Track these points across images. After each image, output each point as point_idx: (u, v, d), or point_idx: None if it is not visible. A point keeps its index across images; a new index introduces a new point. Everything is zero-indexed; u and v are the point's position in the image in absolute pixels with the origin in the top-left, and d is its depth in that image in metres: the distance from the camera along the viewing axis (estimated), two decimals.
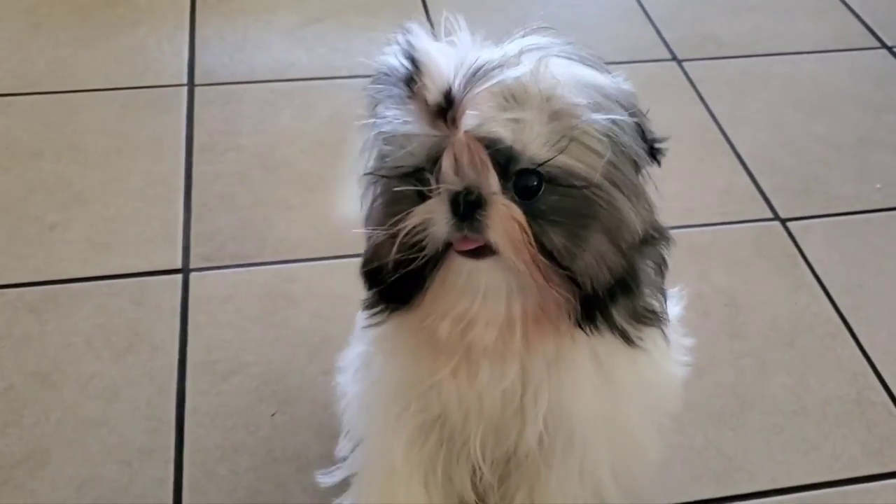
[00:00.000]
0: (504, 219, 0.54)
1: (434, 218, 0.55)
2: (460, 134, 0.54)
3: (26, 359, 1.08)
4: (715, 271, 1.24)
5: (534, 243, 0.54)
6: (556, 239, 0.55)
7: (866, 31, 1.74)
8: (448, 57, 0.57)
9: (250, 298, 1.17)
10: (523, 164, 0.55)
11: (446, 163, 0.54)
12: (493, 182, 0.55)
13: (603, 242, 0.56)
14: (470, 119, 0.54)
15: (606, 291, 0.57)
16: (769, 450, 1.03)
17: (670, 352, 0.70)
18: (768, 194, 1.37)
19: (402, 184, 0.57)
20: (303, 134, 1.41)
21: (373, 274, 0.60)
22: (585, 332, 0.59)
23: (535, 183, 0.55)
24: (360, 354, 0.75)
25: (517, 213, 0.54)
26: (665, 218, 1.29)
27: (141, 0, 1.68)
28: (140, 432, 1.01)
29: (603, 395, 0.65)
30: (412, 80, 0.56)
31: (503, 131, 0.54)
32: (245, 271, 1.20)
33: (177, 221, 1.26)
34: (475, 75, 0.54)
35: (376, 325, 0.64)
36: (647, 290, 0.62)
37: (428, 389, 0.66)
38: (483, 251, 0.56)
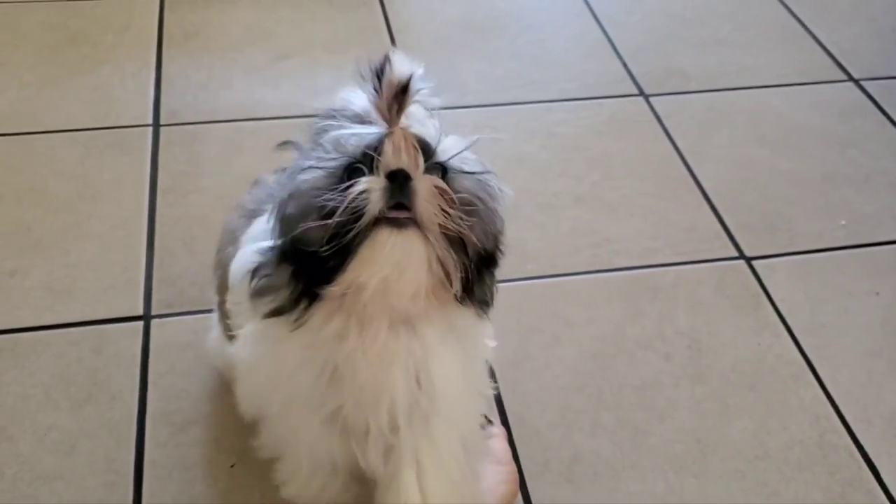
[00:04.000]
0: (428, 186, 0.67)
1: (373, 188, 0.67)
2: (398, 128, 0.68)
3: None
4: (678, 312, 1.24)
5: (448, 208, 0.67)
6: (458, 210, 0.68)
7: (833, 64, 1.76)
8: (405, 65, 0.71)
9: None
10: (436, 158, 0.69)
11: (388, 147, 0.67)
12: (420, 163, 0.68)
13: (483, 223, 0.70)
14: (405, 119, 0.69)
15: (480, 263, 0.71)
16: (731, 496, 1.03)
17: (489, 331, 0.83)
18: (733, 232, 1.37)
19: (331, 178, 0.69)
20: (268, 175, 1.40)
21: (296, 256, 0.70)
22: (461, 301, 0.72)
23: (442, 173, 0.70)
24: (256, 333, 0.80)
25: (438, 181, 0.68)
26: (628, 258, 1.31)
27: (106, 38, 1.67)
28: (97, 486, 1.00)
29: (461, 358, 0.78)
30: (382, 71, 0.70)
31: (426, 131, 0.69)
32: (206, 318, 1.18)
33: (138, 267, 1.25)
34: (411, 85, 0.69)
35: (298, 321, 0.72)
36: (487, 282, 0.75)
37: (330, 377, 0.76)
38: (406, 221, 0.67)
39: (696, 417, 1.11)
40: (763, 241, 1.36)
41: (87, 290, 1.22)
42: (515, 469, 0.85)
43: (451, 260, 0.68)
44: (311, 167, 0.69)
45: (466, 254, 0.69)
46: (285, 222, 0.70)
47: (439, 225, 0.67)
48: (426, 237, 0.67)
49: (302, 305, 0.71)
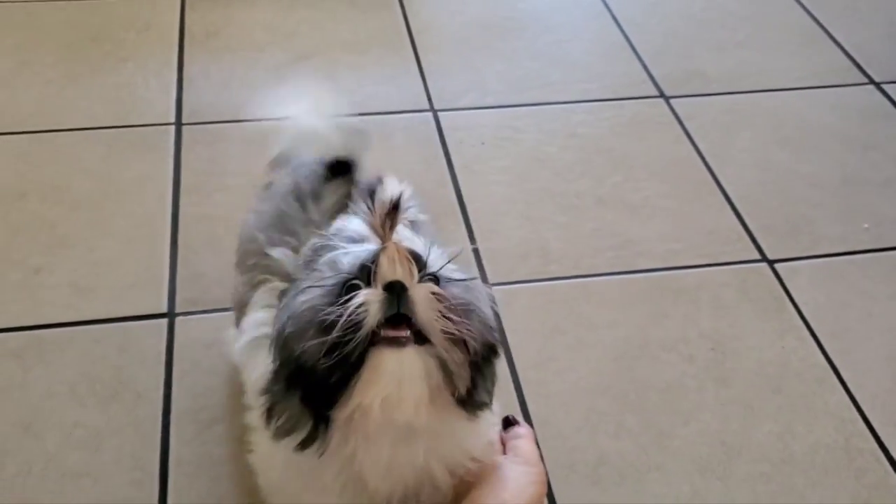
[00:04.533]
0: (425, 293, 0.69)
1: (371, 300, 0.68)
2: (391, 242, 0.71)
3: (9, 408, 1.07)
4: (701, 315, 1.24)
5: (446, 312, 0.69)
6: (455, 313, 0.70)
7: (853, 66, 1.75)
8: (394, 185, 0.80)
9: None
10: (427, 269, 0.72)
11: (384, 260, 0.70)
12: (415, 272, 0.71)
13: (480, 321, 0.73)
14: (396, 235, 0.73)
15: (481, 359, 0.73)
16: (756, 500, 1.03)
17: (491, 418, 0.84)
18: (755, 234, 1.37)
19: (328, 297, 0.70)
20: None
21: (300, 379, 0.71)
22: (462, 405, 0.73)
23: (434, 282, 0.72)
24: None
25: (434, 287, 0.70)
26: (650, 259, 1.31)
27: (128, 36, 1.68)
28: (124, 484, 1.01)
29: (463, 450, 0.81)
30: (374, 192, 0.76)
31: (416, 245, 0.74)
32: (231, 315, 1.18)
33: (162, 265, 1.26)
34: (401, 203, 0.74)
35: (321, 448, 0.74)
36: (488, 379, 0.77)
37: (350, 489, 0.78)
38: (405, 341, 0.69)
39: (721, 420, 1.11)
40: (786, 243, 1.36)
41: (111, 287, 1.22)
42: (543, 470, 0.85)
43: (454, 363, 0.70)
44: (307, 287, 0.71)
45: (468, 352, 0.71)
46: (285, 344, 0.71)
47: (441, 330, 0.69)
48: (426, 350, 0.69)
49: (320, 433, 0.73)
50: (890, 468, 1.07)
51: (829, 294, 1.29)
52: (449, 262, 0.74)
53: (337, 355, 0.67)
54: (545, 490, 0.86)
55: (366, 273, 0.70)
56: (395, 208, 0.72)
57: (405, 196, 0.75)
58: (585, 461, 1.06)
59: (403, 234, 0.75)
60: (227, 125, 1.49)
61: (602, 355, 1.18)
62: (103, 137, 1.46)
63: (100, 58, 1.63)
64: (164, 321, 1.18)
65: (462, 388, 0.72)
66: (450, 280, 0.73)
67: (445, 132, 1.51)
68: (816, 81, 1.70)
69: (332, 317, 0.67)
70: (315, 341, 0.68)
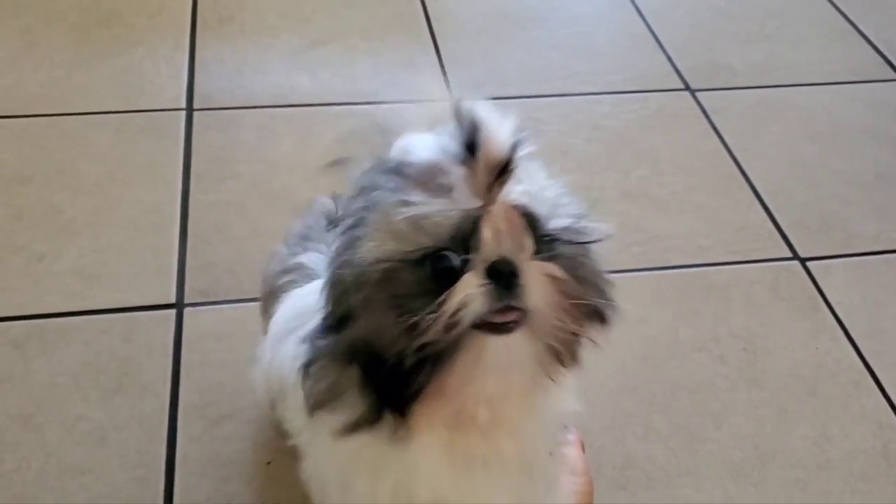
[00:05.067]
0: (540, 278, 0.55)
1: (471, 292, 0.53)
2: (498, 204, 0.54)
3: (9, 399, 1.03)
4: (732, 313, 1.19)
5: (565, 296, 0.56)
6: (574, 292, 0.57)
7: (883, 62, 1.70)
8: (502, 126, 0.56)
9: (246, 337, 1.10)
10: (544, 231, 0.57)
11: (487, 232, 0.54)
12: (529, 247, 0.55)
13: (596, 290, 0.60)
14: (506, 190, 0.55)
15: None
16: None
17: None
18: (786, 231, 1.32)
19: (411, 270, 0.55)
20: (304, 162, 1.36)
21: (366, 359, 0.57)
22: (569, 370, 0.62)
23: (553, 246, 0.57)
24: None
25: (552, 268, 0.55)
26: (679, 256, 1.25)
27: (139, 20, 1.63)
28: (127, 481, 0.96)
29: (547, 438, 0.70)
30: (472, 145, 0.54)
31: (530, 200, 0.56)
32: (241, 307, 1.14)
33: (171, 253, 1.21)
34: (514, 159, 0.55)
35: (397, 436, 0.60)
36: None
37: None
38: (514, 324, 0.55)
39: (754, 423, 1.06)
40: (818, 241, 1.31)
41: (117, 275, 1.18)
42: (590, 479, 0.79)
43: (565, 344, 0.57)
44: (378, 240, 0.55)
45: (582, 330, 0.58)
46: (342, 300, 0.57)
47: (555, 316, 0.55)
48: (535, 331, 0.55)
49: (386, 419, 0.59)
50: None
51: (863, 293, 1.23)
52: (580, 221, 0.58)
53: (421, 351, 0.54)
54: (592, 501, 0.80)
55: (459, 241, 0.54)
56: (506, 166, 0.54)
57: (519, 146, 0.55)
58: (613, 464, 1.01)
59: (517, 184, 0.56)
60: (239, 111, 1.45)
61: (630, 354, 1.13)
62: (112, 122, 1.41)
63: (109, 41, 1.58)
64: (173, 312, 1.14)
65: (567, 368, 0.59)
66: (570, 243, 0.57)
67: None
68: (846, 77, 1.65)
69: (417, 310, 0.53)
70: (394, 328, 0.54)
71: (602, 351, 1.10)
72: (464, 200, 0.54)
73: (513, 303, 0.54)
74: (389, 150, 0.59)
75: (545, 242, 0.56)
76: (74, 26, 1.61)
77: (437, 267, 0.54)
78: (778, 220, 1.34)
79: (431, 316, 0.52)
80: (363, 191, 0.58)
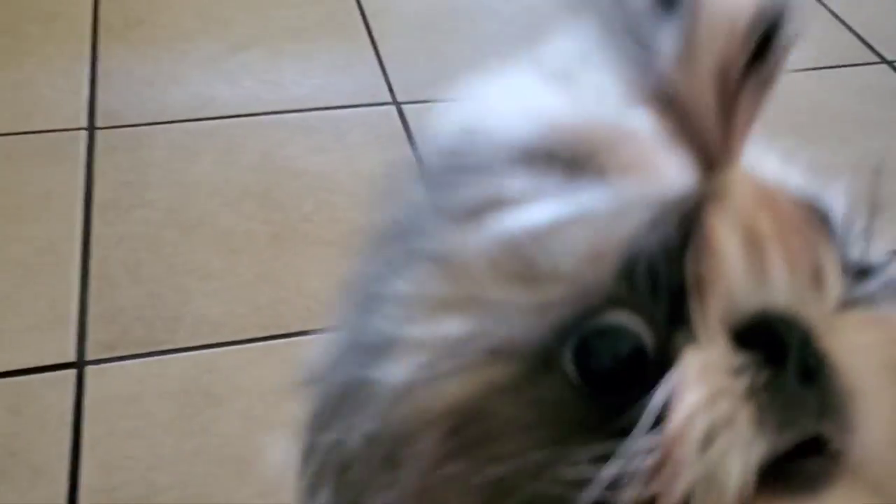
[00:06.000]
0: (869, 348, 0.24)
1: (721, 406, 0.22)
2: (740, 179, 0.24)
3: None
4: None
5: None
6: None
7: (862, 45, 1.59)
8: None
9: (161, 397, 0.94)
10: (856, 255, 0.27)
11: (729, 243, 0.24)
12: (835, 278, 0.25)
13: None
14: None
15: None
16: None
17: None
18: None
19: (529, 387, 0.23)
20: (225, 183, 1.19)
21: None
22: None
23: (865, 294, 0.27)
24: None
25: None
26: None
27: (31, 29, 1.44)
28: None
29: None
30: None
31: (815, 188, 0.27)
32: (155, 361, 0.97)
33: (70, 300, 1.03)
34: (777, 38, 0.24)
35: None
36: None
37: None
38: (827, 475, 0.24)
39: None
40: None
41: (4, 331, 0.99)
42: None
43: None
44: (422, 352, 0.25)
45: None
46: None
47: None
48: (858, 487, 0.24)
49: None
50: None
51: None
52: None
53: None
54: None
55: (645, 291, 0.23)
56: (765, 45, 0.26)
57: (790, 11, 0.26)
58: None
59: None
60: (149, 128, 1.27)
61: None
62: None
63: None
64: (72, 372, 0.95)
65: None
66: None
67: (412, 127, 1.30)
68: (827, 62, 1.53)
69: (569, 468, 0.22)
70: None
71: None
72: (647, 184, 0.24)
73: (817, 425, 0.23)
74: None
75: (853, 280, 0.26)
76: None
77: (600, 357, 0.23)
78: None
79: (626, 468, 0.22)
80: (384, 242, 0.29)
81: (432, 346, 0.25)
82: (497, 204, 0.25)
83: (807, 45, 1.18)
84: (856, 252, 0.28)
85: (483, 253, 0.25)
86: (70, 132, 1.26)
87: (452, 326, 0.24)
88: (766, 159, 0.30)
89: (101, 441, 0.89)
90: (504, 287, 0.24)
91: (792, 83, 1.14)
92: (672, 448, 0.22)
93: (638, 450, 0.22)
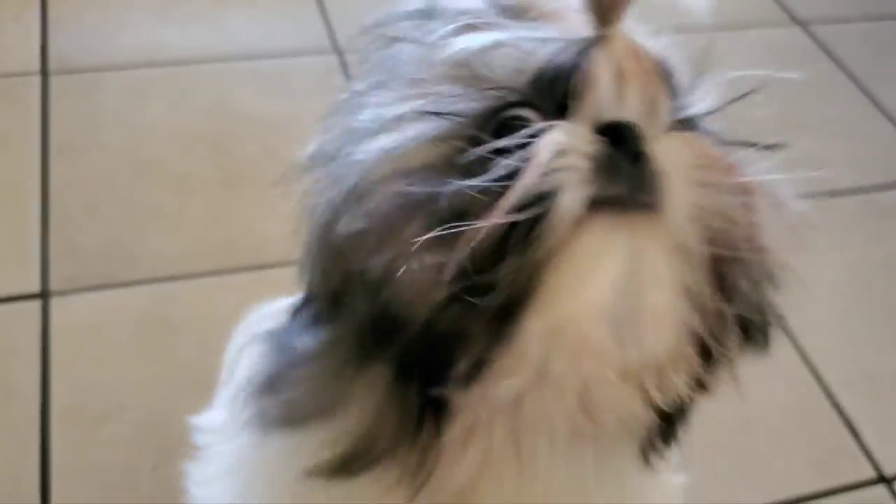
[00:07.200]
0: (684, 152, 0.35)
1: (573, 150, 0.33)
2: (618, 33, 0.35)
3: None
4: None
5: (724, 200, 0.36)
6: (740, 205, 0.37)
7: (775, 5, 1.68)
8: None
9: (123, 327, 1.01)
10: (683, 108, 0.39)
11: (601, 70, 0.35)
12: (664, 108, 0.36)
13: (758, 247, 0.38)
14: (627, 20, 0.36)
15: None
16: (715, 470, 0.95)
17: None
18: None
19: (468, 133, 0.34)
20: (177, 127, 1.25)
21: (382, 332, 0.35)
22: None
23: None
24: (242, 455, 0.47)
25: (702, 141, 0.37)
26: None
27: None
28: None
29: None
30: None
31: (667, 51, 0.38)
32: (115, 294, 1.04)
33: (32, 237, 1.08)
34: None
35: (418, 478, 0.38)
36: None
37: None
38: (641, 209, 0.35)
39: None
40: None
41: None
42: None
43: (717, 311, 0.37)
44: (393, 116, 0.36)
45: (731, 306, 0.38)
46: (346, 259, 0.36)
47: (706, 234, 0.36)
48: (677, 250, 0.35)
49: (420, 443, 0.37)
50: (846, 429, 1.01)
51: None
52: (737, 99, 0.42)
53: (494, 272, 0.33)
54: None
55: (546, 94, 0.35)
56: None
57: None
58: None
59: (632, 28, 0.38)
60: (101, 74, 1.32)
61: None
62: None
63: None
64: (37, 303, 1.02)
65: (716, 371, 0.38)
66: (722, 141, 0.40)
67: (354, 74, 1.37)
68: (740, 21, 1.62)
69: (472, 189, 0.33)
70: (435, 242, 0.33)
71: None
72: (555, 31, 0.35)
73: (634, 188, 0.34)
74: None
75: (686, 128, 0.37)
76: None
77: (498, 128, 0.34)
78: None
79: (495, 193, 0.32)
80: (380, 48, 0.40)
81: (399, 128, 0.36)
82: (457, 33, 0.37)
83: (722, 5, 1.31)
84: (687, 101, 0.40)
85: (443, 65, 0.37)
86: (23, 77, 1.29)
87: (414, 114, 0.36)
88: (639, 30, 0.40)
89: (68, 366, 0.96)
90: (455, 85, 0.36)
91: (707, 43, 1.27)
92: (529, 171, 0.33)
93: (510, 165, 0.33)
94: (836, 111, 1.46)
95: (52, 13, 1.41)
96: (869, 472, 0.98)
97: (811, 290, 1.14)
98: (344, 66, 1.38)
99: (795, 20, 1.65)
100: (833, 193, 1.30)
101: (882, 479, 0.97)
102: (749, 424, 1.00)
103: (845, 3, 1.71)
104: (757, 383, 1.02)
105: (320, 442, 0.39)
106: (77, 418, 0.92)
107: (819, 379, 1.06)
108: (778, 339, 1.10)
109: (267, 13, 1.47)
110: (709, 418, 0.97)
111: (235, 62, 1.36)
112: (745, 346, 0.43)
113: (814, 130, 1.41)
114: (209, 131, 1.25)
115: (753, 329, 0.43)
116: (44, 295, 1.03)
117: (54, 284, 1.04)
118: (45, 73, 1.30)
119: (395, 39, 0.40)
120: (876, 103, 1.48)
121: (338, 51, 1.41)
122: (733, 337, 0.40)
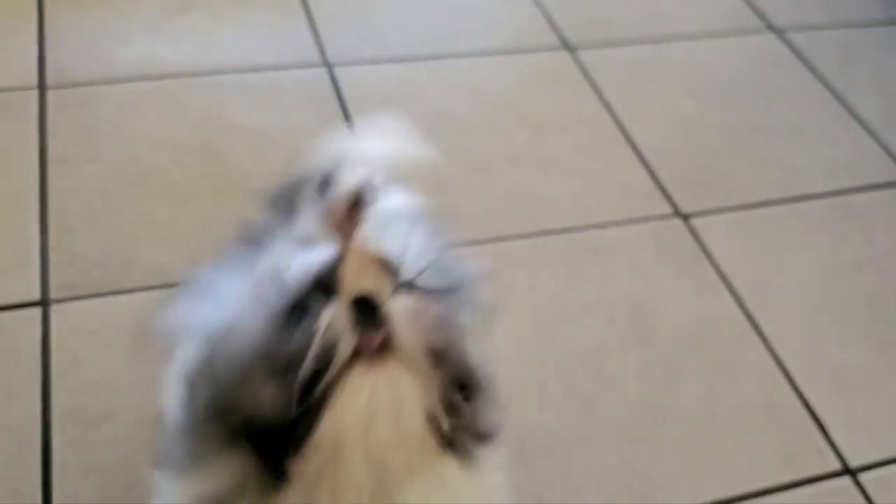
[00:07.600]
0: (405, 308, 0.56)
1: (338, 321, 0.54)
2: (357, 246, 0.56)
3: None
4: (619, 274, 1.19)
5: (432, 331, 0.56)
6: (443, 332, 0.57)
7: (752, 13, 1.73)
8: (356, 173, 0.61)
9: (120, 331, 1.05)
10: (402, 277, 0.58)
11: (349, 269, 0.55)
12: (388, 285, 0.56)
13: (463, 338, 0.59)
14: (360, 235, 0.57)
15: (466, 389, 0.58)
16: (684, 464, 1.00)
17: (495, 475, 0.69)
18: (668, 189, 1.33)
19: (279, 318, 0.55)
20: (170, 138, 1.29)
21: (250, 434, 0.56)
22: (454, 443, 0.59)
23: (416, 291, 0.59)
24: None
25: (416, 300, 0.56)
26: (564, 219, 1.25)
27: None
28: (1, 497, 0.90)
29: None
30: (327, 183, 0.60)
31: (387, 247, 0.58)
32: (112, 300, 1.08)
33: (32, 246, 1.13)
34: (366, 197, 0.59)
35: None
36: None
37: None
38: (382, 348, 0.55)
39: (645, 383, 1.07)
40: (699, 196, 1.33)
41: None
42: None
43: (441, 390, 0.56)
44: (241, 312, 0.57)
45: (454, 379, 0.57)
46: (221, 395, 0.57)
47: (426, 352, 0.55)
48: (410, 368, 0.55)
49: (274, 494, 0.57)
50: (812, 422, 1.06)
51: (743, 247, 1.26)
52: (428, 266, 0.60)
53: (305, 398, 0.53)
54: None
55: (321, 289, 0.55)
56: (358, 202, 0.58)
57: (373, 183, 0.60)
58: (509, 437, 1.00)
59: (369, 234, 0.59)
60: (97, 87, 1.36)
61: (520, 322, 1.12)
62: None
63: None
64: (38, 310, 1.06)
65: (450, 422, 0.57)
66: (430, 291, 0.58)
67: (343, 89, 1.41)
68: (721, 30, 1.67)
69: (290, 350, 0.53)
70: (270, 386, 0.53)
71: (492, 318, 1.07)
72: (323, 250, 0.57)
73: (378, 331, 0.54)
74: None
75: (406, 289, 0.57)
76: None
77: (296, 314, 0.55)
78: (660, 177, 1.35)
79: (303, 344, 0.53)
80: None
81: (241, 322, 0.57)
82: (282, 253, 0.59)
83: (704, 13, 1.39)
84: (405, 270, 0.58)
85: (269, 269, 0.59)
86: (21, 91, 1.33)
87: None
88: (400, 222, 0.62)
89: (68, 369, 1.00)
90: (273, 284, 0.58)
91: (688, 49, 1.35)
92: (321, 332, 0.54)
93: (318, 331, 0.54)
94: (810, 116, 1.50)
95: (49, 29, 1.45)
96: (835, 465, 1.02)
97: (780, 289, 1.19)
98: (333, 80, 1.43)
99: (771, 27, 1.69)
100: (805, 197, 1.35)
101: (847, 470, 1.02)
102: (717, 418, 1.05)
103: (819, 10, 1.75)
104: (726, 378, 1.09)
105: (198, 489, 0.59)
106: (77, 419, 0.96)
107: (786, 374, 1.10)
108: (749, 339, 1.16)
109: (257, 28, 1.51)
110: (678, 412, 1.03)
111: (227, 75, 1.41)
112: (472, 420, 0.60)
113: (787, 135, 1.46)
114: (201, 142, 1.29)
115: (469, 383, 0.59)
116: (44, 302, 1.07)
117: (54, 292, 1.08)
118: (42, 87, 1.35)
119: (255, 241, 0.62)
120: (848, 108, 1.52)
121: (326, 64, 1.46)
122: (462, 416, 0.58)
